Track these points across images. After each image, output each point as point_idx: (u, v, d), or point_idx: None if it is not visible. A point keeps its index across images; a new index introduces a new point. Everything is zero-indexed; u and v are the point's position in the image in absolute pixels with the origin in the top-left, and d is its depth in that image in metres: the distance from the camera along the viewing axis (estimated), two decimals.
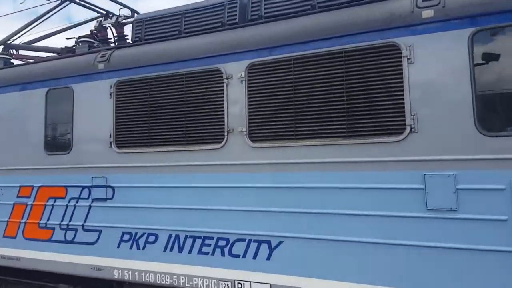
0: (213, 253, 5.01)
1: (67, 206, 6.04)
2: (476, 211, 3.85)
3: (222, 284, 4.93)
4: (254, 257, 4.77)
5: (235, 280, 4.86)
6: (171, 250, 5.28)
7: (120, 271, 5.57)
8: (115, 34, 6.87)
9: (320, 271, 4.43)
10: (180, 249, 5.22)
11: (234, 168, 4.95)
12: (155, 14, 6.09)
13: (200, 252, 5.09)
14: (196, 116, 5.21)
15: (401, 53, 4.20)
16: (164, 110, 5.41)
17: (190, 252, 5.15)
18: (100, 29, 6.89)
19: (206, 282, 5.02)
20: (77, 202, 5.97)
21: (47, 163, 6.28)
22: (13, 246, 6.44)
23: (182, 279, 5.16)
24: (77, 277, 6.00)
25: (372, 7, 4.49)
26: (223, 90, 5.06)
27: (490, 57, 3.95)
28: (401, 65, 4.20)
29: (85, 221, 5.88)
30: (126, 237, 5.58)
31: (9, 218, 6.53)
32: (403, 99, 4.15)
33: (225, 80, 5.05)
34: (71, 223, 5.99)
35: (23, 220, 6.40)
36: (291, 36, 4.76)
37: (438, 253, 3.95)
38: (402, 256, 4.09)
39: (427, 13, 4.15)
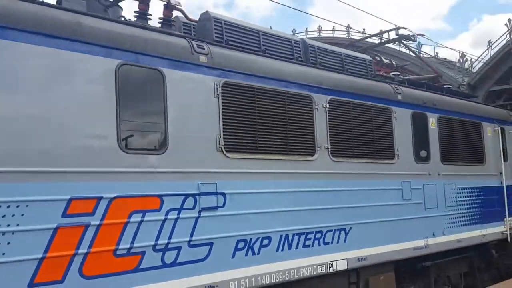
0: (312, 245, 6.12)
1: (164, 220, 4.70)
2: None
3: (319, 268, 6.15)
4: (337, 241, 6.44)
5: (327, 262, 6.26)
6: (282, 249, 5.77)
7: (236, 282, 5.23)
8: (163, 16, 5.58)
9: (368, 243, 6.87)
10: (289, 247, 5.85)
11: (321, 176, 6.38)
12: (230, 20, 5.99)
13: (304, 246, 6.01)
14: (295, 130, 6.13)
15: None
16: (269, 120, 5.84)
17: (296, 247, 5.93)
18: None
19: (309, 269, 6.02)
20: (178, 214, 4.82)
21: (125, 164, 4.51)
22: None
23: (293, 273, 5.83)
24: None
25: None
26: (313, 114, 6.37)
27: None
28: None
29: (191, 236, 4.89)
30: (240, 245, 5.34)
31: (45, 253, 3.93)
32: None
33: (315, 106, 6.40)
34: (171, 241, 4.72)
35: (81, 251, 4.13)
36: (351, 88, 6.98)
37: None
38: None
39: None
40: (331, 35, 32.81)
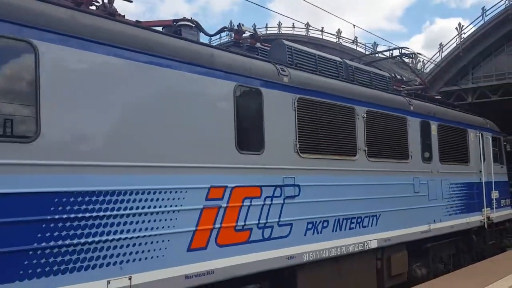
0: (355, 227, 7.71)
1: (263, 205, 6.15)
2: None
3: (359, 246, 7.76)
4: (371, 225, 8.07)
5: (364, 241, 7.88)
6: (335, 231, 7.33)
7: (307, 255, 6.76)
8: (234, 39, 6.89)
9: (391, 227, 8.54)
10: (340, 228, 7.42)
11: (361, 173, 7.98)
12: (296, 46, 7.46)
13: (350, 228, 7.60)
14: (343, 135, 7.69)
15: None
16: (326, 127, 7.37)
17: (345, 229, 7.51)
18: (239, 32, 6.65)
19: (353, 247, 7.63)
20: (271, 200, 6.29)
21: (240, 162, 5.93)
22: (203, 259, 5.38)
23: (343, 249, 7.40)
24: (257, 275, 6.17)
25: None
26: (355, 122, 7.95)
27: None
28: None
29: (279, 218, 6.38)
30: (309, 226, 6.86)
31: (196, 226, 5.32)
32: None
33: (356, 116, 7.98)
34: (268, 221, 6.19)
35: (216, 226, 5.54)
36: (380, 101, 8.62)
37: None
38: None
39: None
40: (291, 32, 33.58)
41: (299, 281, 6.71)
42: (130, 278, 4.69)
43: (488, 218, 12.20)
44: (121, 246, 4.68)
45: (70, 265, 4.28)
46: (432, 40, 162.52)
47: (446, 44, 27.40)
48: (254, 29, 7.15)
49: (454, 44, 26.41)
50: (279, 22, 36.13)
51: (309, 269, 6.87)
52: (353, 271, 7.76)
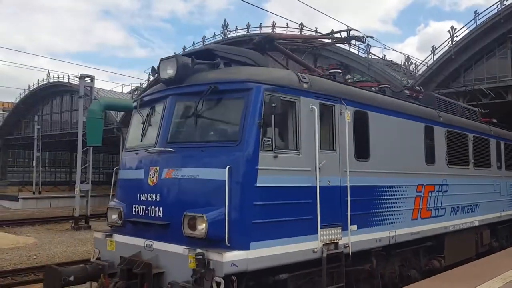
0: (467, 212, 11.99)
1: (436, 196, 10.43)
2: None
3: (470, 223, 12.03)
4: (474, 211, 12.37)
5: (471, 221, 12.16)
6: (462, 213, 11.60)
7: (452, 227, 11.04)
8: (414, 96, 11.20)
9: (484, 213, 12.84)
10: (463, 212, 11.70)
11: (472, 177, 12.26)
12: (441, 97, 11.73)
13: (467, 212, 11.87)
14: (464, 153, 11.96)
15: None
16: (456, 149, 11.64)
17: (465, 213, 11.79)
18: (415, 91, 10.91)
19: (468, 224, 11.88)
20: (437, 193, 10.55)
21: (427, 170, 10.18)
22: (417, 224, 9.64)
23: (464, 225, 11.67)
24: (430, 237, 10.39)
25: None
26: (467, 144, 12.25)
27: None
28: None
29: (441, 203, 10.66)
30: (452, 210, 11.12)
31: (413, 206, 9.57)
32: None
33: (469, 139, 12.27)
34: (436, 205, 10.47)
35: (421, 207, 9.79)
36: (481, 129, 12.95)
37: None
38: None
39: None
40: (285, 32, 32.27)
41: (446, 242, 10.97)
42: (395, 231, 8.90)
43: None
44: (391, 214, 8.89)
45: (378, 222, 8.46)
46: (426, 43, 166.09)
47: (439, 46, 26.67)
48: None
49: (447, 47, 25.88)
50: (273, 22, 35.22)
51: (450, 235, 11.13)
52: (467, 239, 12.07)
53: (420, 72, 26.02)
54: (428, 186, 10.16)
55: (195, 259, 5.82)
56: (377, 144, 8.52)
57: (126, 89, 52.95)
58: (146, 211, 6.95)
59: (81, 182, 26.56)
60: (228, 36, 36.60)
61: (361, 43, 11.37)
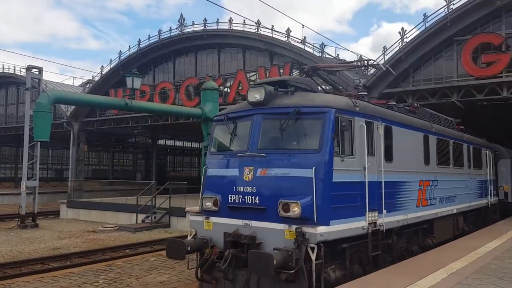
0: (449, 202, 15.16)
1: (431, 189, 13.46)
2: None
3: (451, 211, 15.23)
4: (454, 201, 15.58)
5: (450, 209, 15.36)
6: (446, 203, 14.73)
7: (440, 214, 14.16)
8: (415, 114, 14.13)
9: (460, 203, 16.12)
10: (447, 202, 14.84)
11: (451, 175, 15.45)
12: (434, 112, 14.79)
13: (448, 202, 15.04)
14: (446, 155, 15.14)
15: None
16: (443, 153, 14.77)
17: (448, 203, 14.95)
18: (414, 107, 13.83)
19: (449, 212, 15.07)
20: (431, 186, 13.59)
21: (425, 169, 13.19)
22: (419, 211, 12.62)
23: (447, 212, 14.83)
24: (425, 221, 13.40)
25: None
26: (449, 148, 15.44)
27: None
28: None
29: (433, 195, 13.69)
30: (440, 199, 14.22)
31: (417, 197, 12.54)
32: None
33: (450, 145, 15.45)
34: (431, 196, 13.50)
35: (421, 197, 12.79)
36: (457, 136, 16.21)
37: None
38: None
39: None
40: (242, 29, 32.46)
41: (435, 225, 14.04)
42: (407, 215, 11.80)
43: (490, 201, 20.41)
44: (404, 203, 11.79)
45: (397, 208, 11.30)
46: (379, 43, 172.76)
47: (390, 47, 27.26)
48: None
49: (397, 48, 26.49)
50: (230, 18, 34.50)
51: (438, 220, 14.23)
52: (448, 223, 15.27)
53: (372, 71, 25.97)
54: (426, 182, 13.18)
55: (295, 232, 8.38)
56: (397, 149, 11.36)
57: (77, 82, 50.46)
58: (243, 199, 9.39)
59: (28, 179, 25.90)
60: (185, 31, 35.39)
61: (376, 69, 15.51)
